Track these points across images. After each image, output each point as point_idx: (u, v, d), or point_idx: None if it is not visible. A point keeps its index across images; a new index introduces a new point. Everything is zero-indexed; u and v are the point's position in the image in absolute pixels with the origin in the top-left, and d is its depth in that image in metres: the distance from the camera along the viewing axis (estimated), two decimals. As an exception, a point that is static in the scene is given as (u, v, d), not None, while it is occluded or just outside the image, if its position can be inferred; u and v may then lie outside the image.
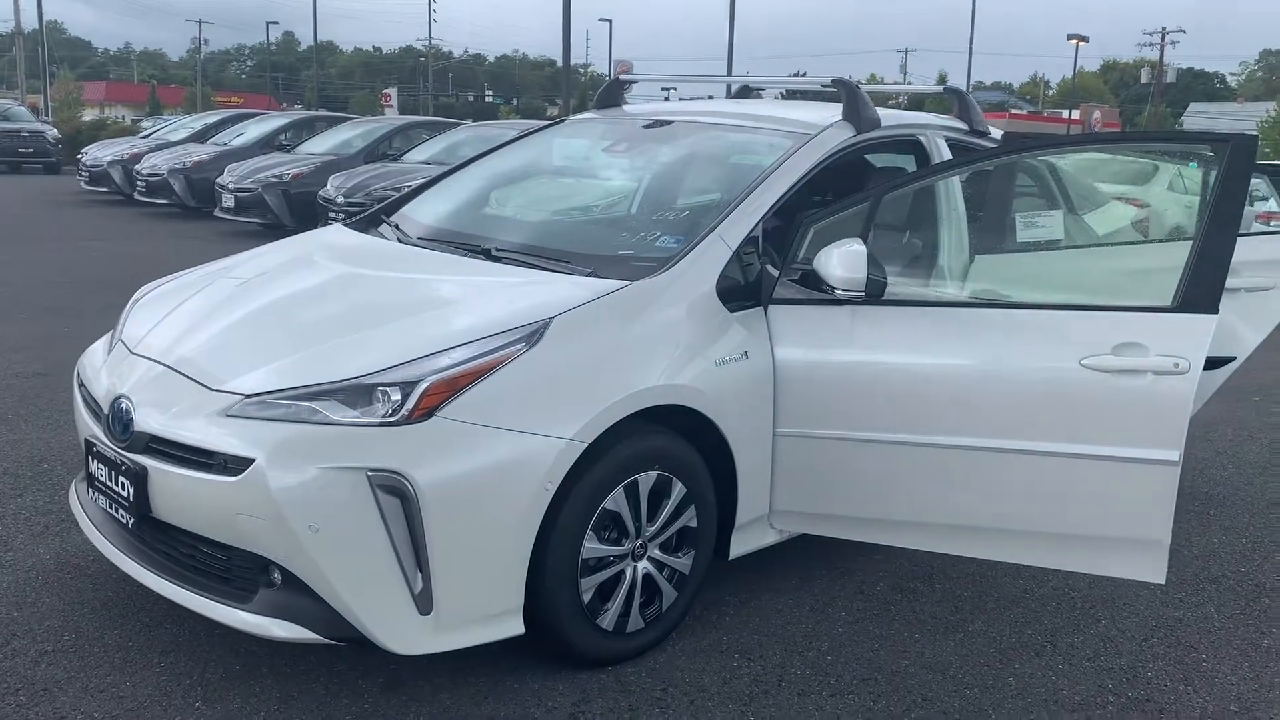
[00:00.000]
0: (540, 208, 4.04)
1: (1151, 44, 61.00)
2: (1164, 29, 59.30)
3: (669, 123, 4.34)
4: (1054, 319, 3.29)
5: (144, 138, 20.07)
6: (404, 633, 2.77)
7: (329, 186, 12.76)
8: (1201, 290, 3.12)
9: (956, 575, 3.97)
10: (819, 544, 3.92)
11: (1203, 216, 3.21)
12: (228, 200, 14.16)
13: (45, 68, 36.52)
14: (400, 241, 3.89)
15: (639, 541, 3.17)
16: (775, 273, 3.49)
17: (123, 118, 39.88)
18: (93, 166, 18.10)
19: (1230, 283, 4.36)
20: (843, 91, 4.03)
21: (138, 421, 2.96)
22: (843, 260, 3.29)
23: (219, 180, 14.53)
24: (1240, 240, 4.56)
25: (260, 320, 3.24)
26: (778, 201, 3.59)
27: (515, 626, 2.91)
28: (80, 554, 3.72)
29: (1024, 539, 3.39)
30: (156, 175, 16.11)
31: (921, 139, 4.26)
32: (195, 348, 3.14)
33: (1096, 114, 57.22)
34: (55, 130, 27.05)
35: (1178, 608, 3.84)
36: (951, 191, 4.01)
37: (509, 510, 2.81)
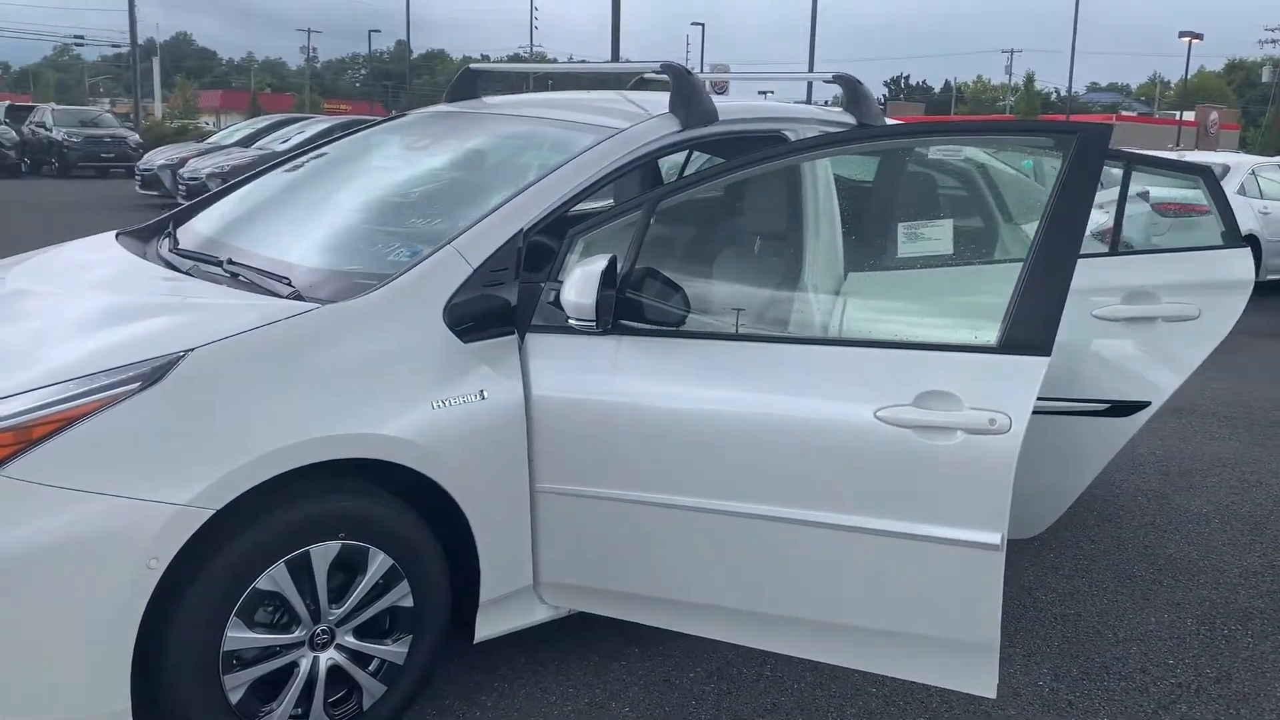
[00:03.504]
0: (311, 215, 3.48)
1: (1273, 40, 57.53)
2: (1288, 24, 55.78)
3: (482, 116, 3.74)
4: (856, 358, 2.60)
5: (199, 142, 20.27)
6: (-44, 745, 2.24)
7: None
8: (1029, 325, 2.40)
9: (796, 659, 3.28)
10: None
11: (1040, 229, 2.48)
12: (252, 205, 14.00)
13: (137, 74, 37.60)
14: (150, 256, 3.38)
15: (319, 627, 2.59)
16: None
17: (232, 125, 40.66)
18: (144, 171, 18.29)
19: (1146, 311, 3.62)
20: (671, 78, 3.38)
21: None
22: (576, 282, 2.66)
23: (246, 185, 14.40)
24: (1160, 258, 3.79)
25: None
26: (552, 210, 2.97)
27: (120, 734, 2.36)
28: None
29: (823, 633, 2.71)
30: (196, 179, 16.12)
31: (789, 134, 3.57)
32: None
33: (1214, 115, 54.08)
34: (137, 136, 27.68)
35: (1063, 714, 3.08)
36: (819, 195, 3.35)
37: (95, 595, 2.25)
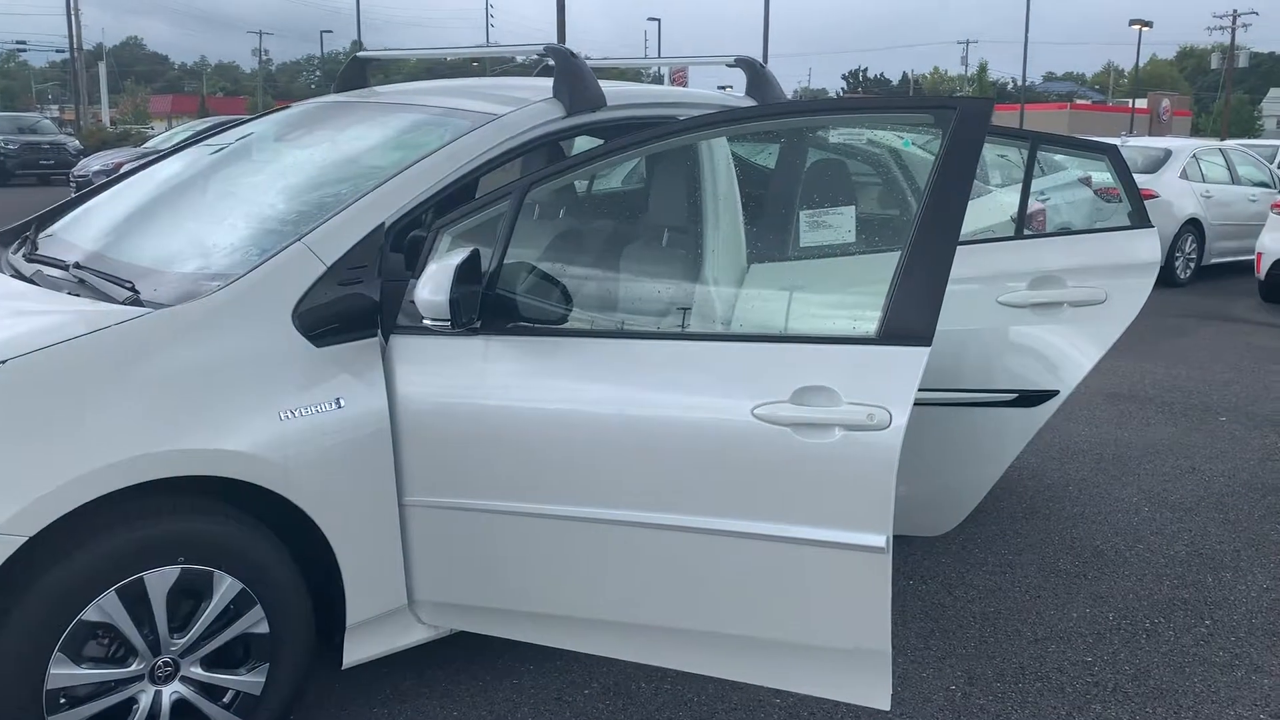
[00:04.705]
0: (172, 214, 3.27)
1: (1222, 27, 58.19)
2: (1235, 11, 56.43)
3: (365, 105, 3.55)
4: (737, 354, 2.43)
5: (137, 146, 19.86)
6: None
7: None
8: (909, 314, 2.25)
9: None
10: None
11: (918, 212, 2.32)
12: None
13: (80, 79, 36.87)
14: (1, 263, 3.16)
15: (160, 659, 2.39)
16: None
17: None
18: (80, 177, 17.88)
19: (1053, 296, 3.49)
20: (555, 61, 3.20)
21: None
22: (430, 278, 2.48)
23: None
24: (1066, 241, 3.67)
25: None
26: (421, 201, 2.79)
27: (-72, 785, 2.15)
28: None
29: (709, 644, 2.54)
30: (131, 185, 15.74)
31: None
32: None
33: (1165, 102, 54.54)
34: (76, 142, 27.12)
35: (975, 719, 2.94)
36: (717, 181, 3.18)
37: (-111, 633, 2.05)
